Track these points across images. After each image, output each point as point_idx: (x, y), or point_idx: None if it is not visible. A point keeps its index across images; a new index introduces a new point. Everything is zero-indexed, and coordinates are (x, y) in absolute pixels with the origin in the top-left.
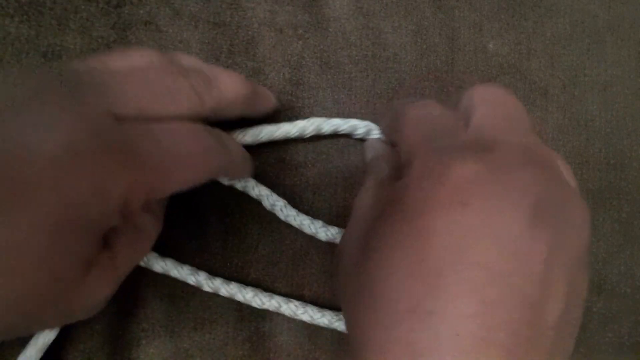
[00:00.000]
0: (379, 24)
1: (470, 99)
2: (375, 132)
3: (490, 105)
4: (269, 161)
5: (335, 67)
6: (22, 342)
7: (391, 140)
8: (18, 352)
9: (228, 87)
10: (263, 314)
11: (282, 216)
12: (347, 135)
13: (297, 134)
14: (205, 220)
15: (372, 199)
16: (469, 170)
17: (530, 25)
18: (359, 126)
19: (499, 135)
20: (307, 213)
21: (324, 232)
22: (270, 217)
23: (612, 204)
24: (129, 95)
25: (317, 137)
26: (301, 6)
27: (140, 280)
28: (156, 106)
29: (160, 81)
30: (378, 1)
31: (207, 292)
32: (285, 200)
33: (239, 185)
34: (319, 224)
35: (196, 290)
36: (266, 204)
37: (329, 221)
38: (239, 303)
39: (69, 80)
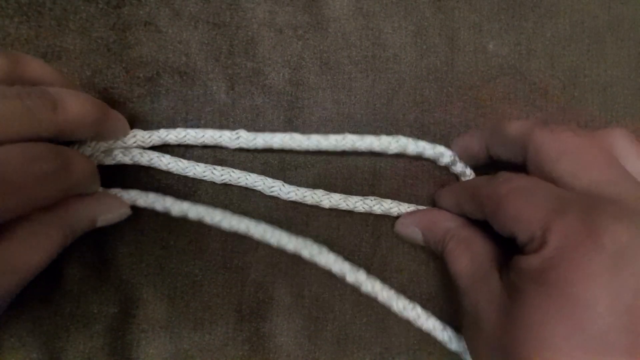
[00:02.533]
0: (379, 25)
1: (539, 149)
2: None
3: (569, 155)
4: (269, 162)
5: (335, 68)
6: None
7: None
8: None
9: (74, 110)
10: (263, 315)
11: (283, 195)
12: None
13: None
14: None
15: (473, 265)
16: (617, 234)
17: (530, 25)
18: (445, 154)
19: (610, 189)
20: (307, 214)
21: (328, 199)
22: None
23: None
24: None
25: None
26: (301, 7)
27: (140, 281)
28: None
29: None
30: (378, 2)
31: (207, 292)
32: (281, 181)
33: (234, 180)
34: (320, 192)
35: (196, 290)
36: (264, 189)
37: (329, 221)
38: (239, 303)
39: None
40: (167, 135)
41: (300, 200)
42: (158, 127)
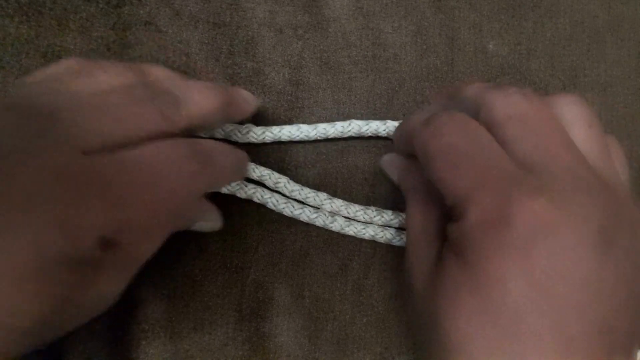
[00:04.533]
0: (379, 25)
1: (489, 111)
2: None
3: (516, 120)
4: (270, 161)
5: (335, 68)
6: None
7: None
8: None
9: (199, 104)
10: (263, 315)
11: (287, 192)
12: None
13: (334, 134)
14: None
15: (424, 220)
16: (530, 212)
17: (530, 25)
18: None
19: (538, 156)
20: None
21: (329, 203)
22: (271, 218)
23: None
24: (93, 126)
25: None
26: (301, 6)
27: (140, 281)
28: (122, 133)
29: (125, 108)
30: (378, 1)
31: (207, 292)
32: (287, 177)
33: None
34: (323, 195)
35: (196, 290)
36: (269, 183)
37: None
38: (239, 303)
39: (27, 119)
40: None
41: (302, 200)
42: None
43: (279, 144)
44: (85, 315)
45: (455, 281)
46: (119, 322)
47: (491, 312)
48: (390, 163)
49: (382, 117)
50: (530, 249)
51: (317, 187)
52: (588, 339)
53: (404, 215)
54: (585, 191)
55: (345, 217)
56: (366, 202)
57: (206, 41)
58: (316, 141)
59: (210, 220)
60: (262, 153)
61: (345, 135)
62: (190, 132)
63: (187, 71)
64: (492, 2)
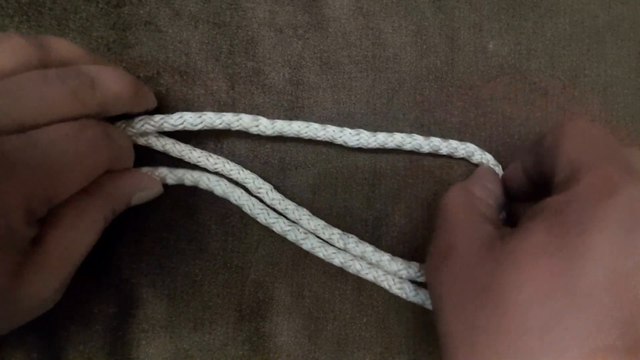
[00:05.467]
0: (379, 24)
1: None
2: (477, 156)
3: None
4: (270, 161)
5: (335, 67)
6: None
7: (533, 169)
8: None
9: (112, 86)
10: (263, 315)
11: (267, 200)
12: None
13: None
14: (205, 221)
15: (469, 202)
16: (636, 191)
17: (530, 25)
18: (459, 148)
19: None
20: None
21: (307, 220)
22: None
23: None
24: (2, 110)
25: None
26: (301, 6)
27: (140, 281)
28: (32, 115)
29: (35, 90)
30: (378, 1)
31: (207, 292)
32: (271, 185)
33: (225, 172)
34: (303, 211)
35: (196, 290)
36: (252, 187)
37: (329, 221)
38: (239, 303)
39: None
40: (163, 121)
41: (282, 212)
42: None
43: (279, 144)
44: (20, 314)
45: (537, 248)
46: (119, 322)
47: (565, 281)
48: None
49: (382, 117)
50: (626, 232)
51: (317, 187)
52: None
53: (382, 254)
54: None
55: (319, 237)
56: (366, 202)
57: (206, 41)
58: (316, 141)
59: (145, 189)
60: (262, 153)
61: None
62: (100, 116)
63: (187, 71)
64: (492, 2)
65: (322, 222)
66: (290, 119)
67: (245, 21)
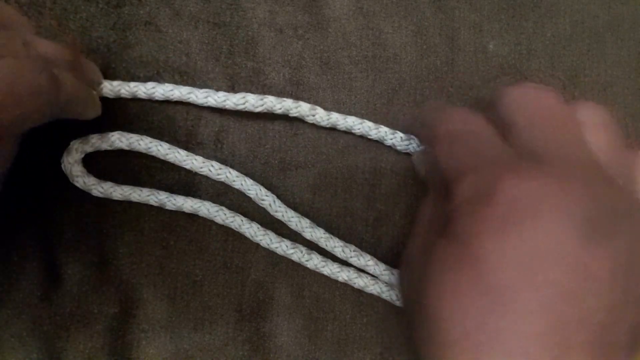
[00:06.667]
0: (379, 25)
1: (505, 104)
2: (412, 145)
3: (528, 111)
4: (270, 161)
5: (335, 68)
6: None
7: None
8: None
9: (47, 48)
10: (263, 315)
11: (271, 211)
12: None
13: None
14: (205, 221)
15: (431, 214)
16: (517, 190)
17: (531, 25)
18: (388, 135)
19: (544, 147)
20: (307, 214)
21: (310, 232)
22: (271, 218)
23: None
24: None
25: (318, 137)
26: (301, 6)
27: (140, 281)
28: None
29: None
30: (378, 1)
31: (207, 292)
32: (274, 195)
33: (229, 181)
34: (306, 222)
35: (196, 290)
36: (255, 198)
37: (329, 222)
38: (239, 303)
39: None
40: (136, 88)
41: (284, 222)
42: (158, 127)
43: (279, 144)
44: None
45: (444, 259)
46: (120, 321)
47: (480, 287)
48: (421, 160)
49: (382, 117)
50: (513, 227)
51: (317, 187)
52: (582, 331)
53: (380, 264)
54: (581, 182)
55: (323, 248)
56: (367, 202)
57: (206, 41)
58: (316, 140)
59: (81, 104)
60: (262, 153)
61: (354, 132)
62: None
63: (187, 71)
64: (492, 2)
65: (324, 233)
66: (291, 119)
67: (246, 21)
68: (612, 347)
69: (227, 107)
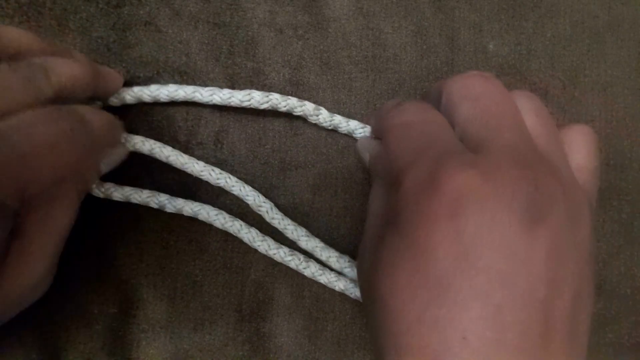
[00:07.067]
0: (379, 25)
1: (448, 94)
2: (360, 130)
3: (470, 100)
4: (270, 161)
5: (335, 68)
6: None
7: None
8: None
9: (66, 72)
10: (263, 315)
11: (267, 218)
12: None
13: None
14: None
15: (380, 205)
16: (458, 180)
17: (531, 25)
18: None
19: (485, 134)
20: (307, 214)
21: (305, 241)
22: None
23: (612, 204)
24: None
25: (318, 137)
26: (301, 7)
27: (140, 282)
28: None
29: None
30: (378, 2)
31: (207, 292)
32: (272, 203)
33: (227, 187)
34: (302, 231)
35: (196, 290)
36: (253, 204)
37: (329, 222)
38: (239, 303)
39: None
40: (140, 92)
41: (280, 230)
42: (158, 126)
43: (279, 144)
44: (9, 305)
45: (391, 250)
46: (120, 322)
47: (422, 277)
48: (365, 147)
49: None
50: (456, 216)
51: (317, 187)
52: (517, 311)
53: None
54: (521, 168)
55: (317, 259)
56: (366, 202)
57: (206, 41)
58: (316, 140)
59: (110, 155)
60: (262, 153)
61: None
62: (61, 101)
63: (187, 71)
64: (492, 2)
65: (319, 242)
66: (291, 119)
67: (245, 21)
68: (557, 323)
69: (232, 104)
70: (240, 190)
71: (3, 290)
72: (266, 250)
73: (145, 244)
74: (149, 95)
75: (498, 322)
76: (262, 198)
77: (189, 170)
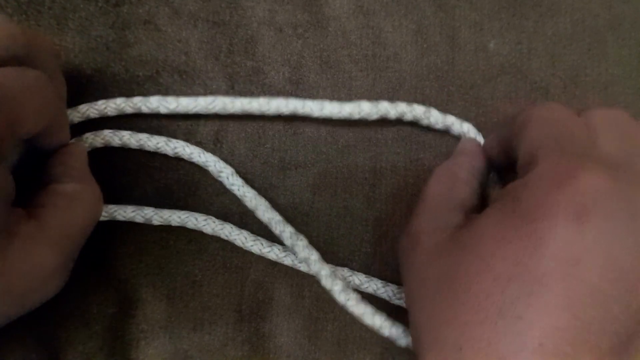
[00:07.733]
0: (379, 23)
1: (592, 118)
2: (473, 134)
3: (616, 128)
4: (270, 161)
5: (335, 67)
6: None
7: (505, 145)
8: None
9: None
10: (263, 315)
11: (227, 184)
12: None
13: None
14: None
15: (448, 194)
16: (594, 182)
17: (531, 24)
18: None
19: (628, 157)
20: (307, 213)
21: (263, 211)
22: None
23: None
24: None
25: (318, 136)
26: (301, 5)
27: (139, 281)
28: None
29: None
30: (378, 0)
31: (207, 292)
32: (232, 169)
33: (186, 155)
34: (261, 200)
35: (196, 290)
36: (213, 170)
37: (329, 222)
38: (239, 303)
39: None
40: (140, 103)
41: (239, 197)
42: (157, 126)
43: (279, 143)
44: (19, 296)
45: (491, 230)
46: (119, 322)
47: (518, 269)
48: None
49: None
50: (581, 219)
51: (317, 187)
52: (602, 332)
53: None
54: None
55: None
56: (366, 202)
57: (205, 40)
58: (316, 140)
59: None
60: (262, 153)
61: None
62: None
63: (186, 70)
64: (493, 1)
65: (278, 217)
66: (291, 118)
67: (245, 20)
68: (622, 352)
69: (342, 116)
70: (199, 156)
71: (7, 277)
72: (260, 250)
73: (144, 243)
74: (147, 108)
75: (579, 339)
76: (222, 163)
77: (145, 147)
